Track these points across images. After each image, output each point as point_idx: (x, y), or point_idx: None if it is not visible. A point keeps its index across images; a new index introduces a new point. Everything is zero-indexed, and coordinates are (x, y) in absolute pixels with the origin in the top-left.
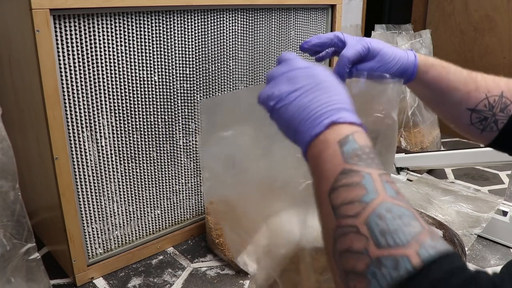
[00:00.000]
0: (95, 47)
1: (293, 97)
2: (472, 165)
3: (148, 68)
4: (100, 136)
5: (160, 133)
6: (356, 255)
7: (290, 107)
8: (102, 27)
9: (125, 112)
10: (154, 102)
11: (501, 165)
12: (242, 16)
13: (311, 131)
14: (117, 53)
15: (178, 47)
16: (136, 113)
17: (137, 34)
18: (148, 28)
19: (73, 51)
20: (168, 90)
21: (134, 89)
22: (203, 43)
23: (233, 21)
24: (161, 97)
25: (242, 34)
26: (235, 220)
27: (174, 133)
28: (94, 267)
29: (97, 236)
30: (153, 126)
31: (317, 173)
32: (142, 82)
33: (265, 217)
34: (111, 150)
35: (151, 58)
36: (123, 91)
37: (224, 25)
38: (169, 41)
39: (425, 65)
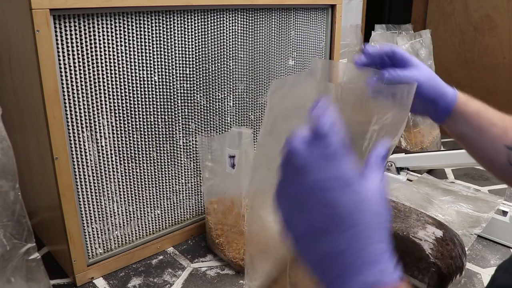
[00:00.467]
0: (95, 47)
1: (301, 242)
2: (472, 165)
3: (148, 68)
4: (100, 136)
5: (160, 133)
6: None
7: (300, 253)
8: (102, 27)
9: (125, 112)
10: (154, 102)
11: None
12: (242, 16)
13: None
14: (117, 53)
15: (178, 47)
16: (136, 113)
17: (137, 34)
18: (148, 28)
19: (73, 51)
20: (168, 90)
21: (134, 89)
22: (203, 43)
23: (233, 21)
24: (161, 97)
25: (242, 34)
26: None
27: (174, 133)
28: (94, 267)
29: (97, 236)
30: (153, 126)
31: None
32: (142, 82)
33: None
34: (111, 150)
35: (151, 58)
36: (123, 91)
37: (224, 25)
38: (169, 41)
39: (465, 97)
